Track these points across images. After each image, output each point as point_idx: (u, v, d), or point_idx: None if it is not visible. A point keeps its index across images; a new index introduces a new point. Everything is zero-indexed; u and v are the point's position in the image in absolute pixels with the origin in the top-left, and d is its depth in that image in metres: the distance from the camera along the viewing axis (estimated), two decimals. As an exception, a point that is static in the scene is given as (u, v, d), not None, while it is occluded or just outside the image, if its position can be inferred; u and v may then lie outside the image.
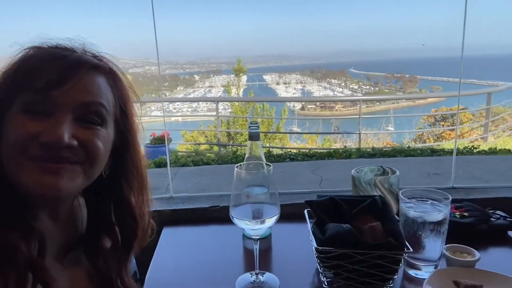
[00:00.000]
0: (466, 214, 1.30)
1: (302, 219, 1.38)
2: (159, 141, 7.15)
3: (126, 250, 0.77)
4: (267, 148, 8.21)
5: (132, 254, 0.80)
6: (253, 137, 1.26)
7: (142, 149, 0.78)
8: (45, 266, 0.61)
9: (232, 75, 12.80)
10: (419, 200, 1.07)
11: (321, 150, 6.90)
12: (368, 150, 4.16)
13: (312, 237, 1.04)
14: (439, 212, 1.02)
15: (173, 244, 1.38)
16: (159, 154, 6.93)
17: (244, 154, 1.30)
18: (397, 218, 1.08)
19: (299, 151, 7.00)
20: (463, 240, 1.12)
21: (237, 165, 1.01)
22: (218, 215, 1.50)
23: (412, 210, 1.03)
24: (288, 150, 7.54)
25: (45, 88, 0.60)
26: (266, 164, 1.06)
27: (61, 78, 0.61)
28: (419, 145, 7.85)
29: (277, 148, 8.29)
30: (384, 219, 1.04)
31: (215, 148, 8.46)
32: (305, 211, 1.18)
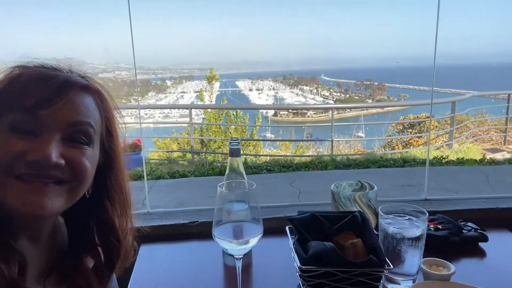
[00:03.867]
0: (439, 226, 1.35)
1: (282, 233, 1.39)
2: (130, 149, 7.00)
3: (109, 270, 0.76)
4: (242, 156, 8.21)
5: (113, 274, 0.79)
6: (234, 153, 1.25)
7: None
8: (25, 287, 0.60)
9: (204, 81, 12.75)
10: (397, 215, 1.10)
11: (296, 158, 7.00)
12: (343, 161, 4.23)
13: (294, 255, 1.05)
14: (417, 228, 1.05)
15: (152, 262, 1.35)
16: (132, 162, 6.78)
17: (223, 166, 1.29)
18: (376, 232, 1.10)
19: (274, 160, 7.07)
20: (437, 252, 1.16)
21: (220, 184, 1.00)
22: (197, 231, 1.48)
23: (391, 226, 1.06)
24: (263, 159, 7.59)
25: (35, 108, 0.60)
26: (249, 183, 1.05)
27: (50, 98, 0.61)
28: (389, 151, 8.09)
29: (251, 155, 8.30)
30: (364, 234, 1.06)
31: (188, 155, 8.37)
32: (287, 228, 1.19)
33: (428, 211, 1.09)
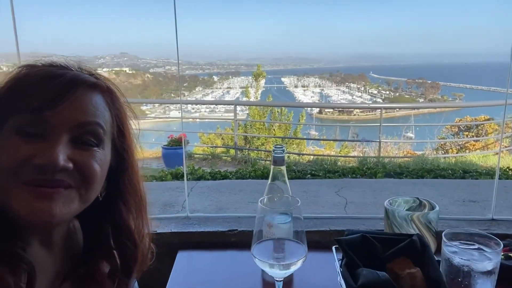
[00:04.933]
0: (511, 254, 1.17)
1: (327, 248, 1.28)
2: (176, 143, 7.13)
3: (126, 276, 0.73)
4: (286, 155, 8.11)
5: (132, 279, 0.77)
6: (278, 162, 1.16)
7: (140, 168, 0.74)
8: None
9: (250, 77, 12.76)
10: (463, 243, 0.95)
11: (341, 160, 6.77)
12: (394, 168, 3.94)
13: (341, 280, 0.94)
14: (489, 261, 0.90)
15: (188, 270, 1.30)
16: (175, 157, 6.92)
17: (265, 167, 1.20)
18: (436, 258, 0.97)
19: (319, 160, 6.89)
20: (510, 285, 0.99)
21: (260, 199, 0.91)
22: (236, 240, 1.41)
23: (457, 256, 0.91)
24: (306, 158, 7.44)
25: (39, 109, 0.57)
26: (293, 198, 0.95)
27: (56, 97, 0.57)
28: (442, 155, 7.60)
29: (294, 153, 8.16)
30: (423, 263, 0.93)
31: (232, 151, 8.40)
32: (333, 248, 1.08)
33: (496, 234, 0.95)
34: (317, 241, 1.40)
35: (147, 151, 8.17)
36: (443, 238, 0.95)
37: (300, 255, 0.89)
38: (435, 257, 0.96)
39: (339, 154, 8.21)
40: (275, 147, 1.16)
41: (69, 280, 0.67)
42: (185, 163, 1.75)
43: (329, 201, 1.72)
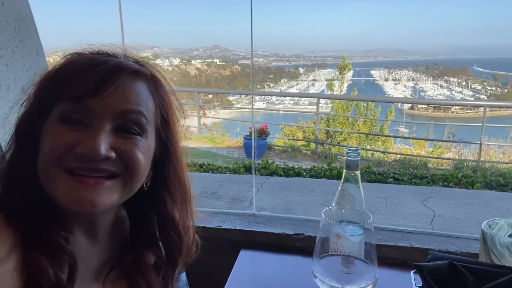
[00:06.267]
0: None
1: (405, 268, 1.13)
2: (257, 134, 7.21)
3: (171, 267, 0.72)
4: (369, 152, 7.68)
5: (178, 272, 0.76)
6: (351, 166, 1.02)
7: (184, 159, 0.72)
8: None
9: (336, 69, 12.32)
10: None
11: (433, 162, 6.16)
12: (496, 179, 3.37)
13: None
14: None
15: (249, 271, 1.25)
16: (256, 147, 7.00)
17: (340, 166, 1.07)
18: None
19: (405, 160, 6.37)
20: None
21: (325, 210, 0.80)
22: (302, 245, 1.31)
23: None
24: (392, 157, 6.94)
25: (82, 96, 0.56)
26: (364, 212, 0.83)
27: (98, 85, 0.57)
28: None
29: (379, 151, 7.67)
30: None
31: (312, 145, 8.23)
32: (411, 273, 0.92)
33: None
34: (394, 258, 1.24)
35: (230, 140, 8.43)
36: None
37: (369, 279, 0.77)
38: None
39: (431, 155, 7.50)
40: (349, 149, 1.03)
41: (115, 270, 0.67)
42: (254, 160, 1.69)
43: (412, 211, 1.52)
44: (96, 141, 0.55)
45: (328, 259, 0.83)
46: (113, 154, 0.57)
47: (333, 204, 1.03)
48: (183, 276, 0.84)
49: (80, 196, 0.55)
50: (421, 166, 5.80)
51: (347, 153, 1.03)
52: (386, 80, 44.28)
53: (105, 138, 0.56)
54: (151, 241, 0.70)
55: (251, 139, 7.04)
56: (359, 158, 1.03)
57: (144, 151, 0.60)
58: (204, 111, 10.06)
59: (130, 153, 0.59)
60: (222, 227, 1.39)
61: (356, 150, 1.03)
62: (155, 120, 0.64)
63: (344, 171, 1.04)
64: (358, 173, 1.04)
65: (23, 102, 0.61)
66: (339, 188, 1.05)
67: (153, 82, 0.65)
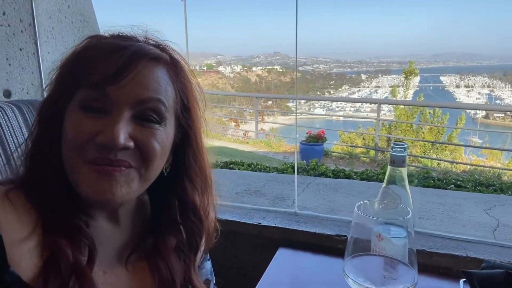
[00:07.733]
0: None
1: (455, 278, 1.02)
2: (314, 140, 7.10)
3: (192, 251, 0.72)
4: (434, 162, 7.16)
5: (200, 258, 0.77)
6: (396, 162, 0.94)
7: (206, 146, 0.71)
8: (90, 275, 0.57)
9: (402, 76, 11.71)
10: None
11: (507, 174, 5.59)
12: None
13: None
14: None
15: (285, 269, 1.21)
16: (312, 153, 6.89)
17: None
18: None
19: (475, 170, 5.85)
20: None
21: (359, 204, 0.74)
22: (343, 247, 1.23)
23: None
24: (461, 168, 6.42)
25: (102, 83, 0.55)
26: (403, 208, 0.75)
27: (117, 72, 0.56)
28: None
29: (447, 161, 7.13)
30: None
31: (371, 152, 7.89)
32: (461, 282, 0.82)
33: None
34: (447, 267, 1.12)
35: (287, 145, 8.39)
36: None
37: (407, 282, 0.69)
38: None
39: (507, 167, 6.81)
40: (394, 144, 0.95)
41: (137, 253, 0.67)
42: (296, 158, 1.64)
43: (473, 219, 1.37)
44: (115, 131, 0.54)
45: (363, 258, 0.77)
46: (131, 144, 0.56)
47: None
48: (208, 264, 0.83)
49: (101, 186, 0.56)
50: (494, 178, 5.29)
51: (392, 148, 0.95)
52: (458, 86, 41.28)
53: (124, 127, 0.55)
54: (172, 225, 0.70)
55: (308, 145, 6.95)
56: (405, 154, 0.94)
57: (161, 141, 0.60)
58: (262, 117, 10.15)
59: (147, 143, 0.58)
60: (262, 224, 1.36)
61: (403, 145, 0.94)
62: (174, 107, 0.63)
63: (389, 167, 0.97)
64: (404, 170, 0.95)
65: (45, 87, 0.62)
66: (383, 185, 0.98)
67: (174, 67, 0.63)
